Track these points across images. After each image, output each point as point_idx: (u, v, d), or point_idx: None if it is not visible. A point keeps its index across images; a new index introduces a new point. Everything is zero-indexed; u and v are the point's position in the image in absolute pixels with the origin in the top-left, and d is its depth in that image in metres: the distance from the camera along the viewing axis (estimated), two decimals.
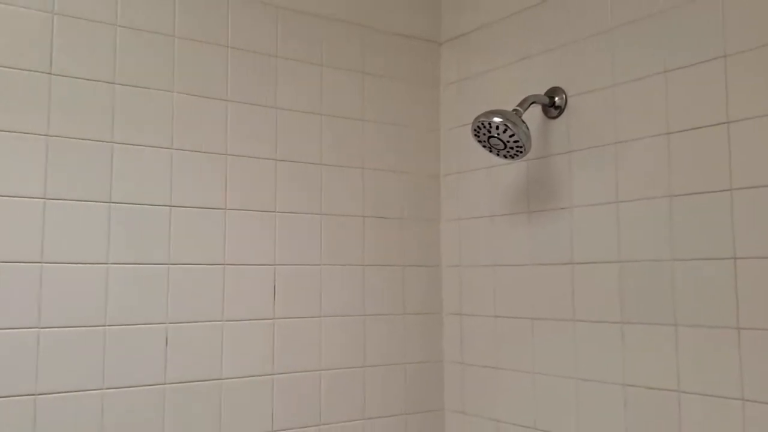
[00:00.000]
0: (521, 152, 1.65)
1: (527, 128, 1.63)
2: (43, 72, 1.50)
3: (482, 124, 1.63)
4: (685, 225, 1.47)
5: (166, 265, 1.61)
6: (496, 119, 1.60)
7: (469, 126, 2.00)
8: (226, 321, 1.68)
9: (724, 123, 1.41)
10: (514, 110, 1.66)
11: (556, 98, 1.75)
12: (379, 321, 1.93)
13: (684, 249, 1.47)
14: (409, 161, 2.04)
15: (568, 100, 1.74)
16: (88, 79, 1.55)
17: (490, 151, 1.70)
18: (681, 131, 1.49)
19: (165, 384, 1.59)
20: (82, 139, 1.54)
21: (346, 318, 1.87)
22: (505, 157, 1.69)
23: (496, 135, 1.63)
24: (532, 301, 1.80)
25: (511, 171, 1.88)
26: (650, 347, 1.52)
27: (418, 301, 2.01)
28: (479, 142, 1.68)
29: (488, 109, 1.91)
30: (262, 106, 1.78)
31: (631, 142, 1.58)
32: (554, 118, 1.77)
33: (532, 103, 1.71)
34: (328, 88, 1.90)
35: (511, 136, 1.61)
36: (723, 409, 1.39)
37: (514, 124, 1.60)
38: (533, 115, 1.80)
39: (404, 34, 2.06)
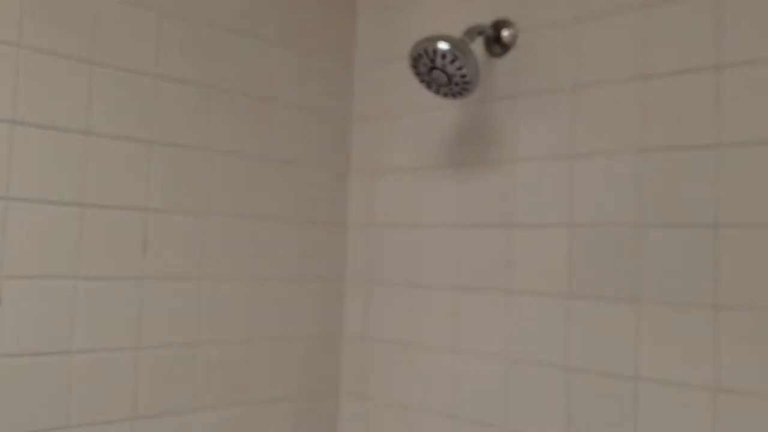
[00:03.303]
0: (468, 89, 1.37)
1: (477, 60, 1.35)
2: None
3: (425, 51, 1.33)
4: (657, 185, 1.26)
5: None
6: (443, 45, 1.31)
7: (392, 62, 1.70)
8: (84, 278, 1.29)
9: (713, 68, 1.21)
10: (460, 39, 1.38)
11: (504, 32, 1.49)
12: (269, 286, 1.60)
13: (654, 213, 1.26)
14: (315, 97, 1.70)
15: (519, 35, 1.48)
16: None
17: (428, 87, 1.41)
18: (659, 75, 1.27)
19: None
20: None
21: (230, 282, 1.53)
22: (446, 95, 1.41)
23: (440, 66, 1.34)
24: (459, 268, 1.54)
25: (439, 116, 1.60)
26: (603, 326, 1.31)
27: (317, 263, 1.70)
28: (417, 75, 1.39)
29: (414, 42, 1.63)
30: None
31: (594, 86, 1.35)
32: (498, 55, 1.50)
33: (479, 33, 1.44)
34: None
35: (459, 69, 1.33)
36: (690, 401, 1.19)
37: (463, 53, 1.32)
38: (474, 51, 1.53)
39: None
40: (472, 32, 1.42)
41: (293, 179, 1.65)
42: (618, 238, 1.30)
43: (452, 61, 1.32)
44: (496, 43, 1.50)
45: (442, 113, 1.60)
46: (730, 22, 1.19)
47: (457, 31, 1.57)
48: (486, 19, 1.53)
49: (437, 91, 1.41)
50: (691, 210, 1.21)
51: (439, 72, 1.35)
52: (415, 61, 1.36)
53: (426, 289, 1.60)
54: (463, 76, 1.34)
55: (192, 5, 1.46)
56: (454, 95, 1.40)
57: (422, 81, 1.40)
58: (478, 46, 1.53)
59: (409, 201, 1.65)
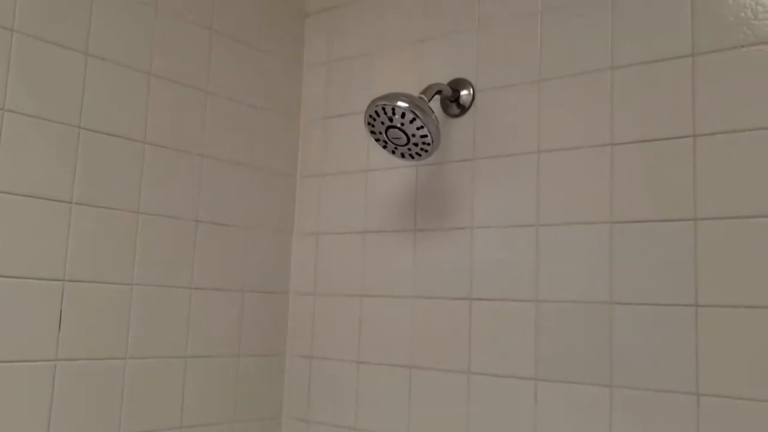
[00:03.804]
0: (427, 150, 1.27)
1: (437, 120, 1.25)
2: None
3: (382, 109, 1.22)
4: (631, 260, 1.17)
5: None
6: (402, 103, 1.21)
7: (340, 118, 1.59)
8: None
9: (689, 136, 1.14)
10: (419, 98, 1.28)
11: (463, 92, 1.40)
12: (204, 366, 1.42)
13: (627, 290, 1.17)
14: (258, 154, 1.57)
15: (476, 95, 1.39)
16: None
17: (385, 147, 1.30)
18: (630, 143, 1.20)
19: None
20: None
21: (163, 360, 1.35)
22: (403, 156, 1.30)
23: (398, 125, 1.23)
24: (413, 345, 1.41)
25: (391, 177, 1.49)
26: (574, 412, 1.19)
27: (256, 338, 1.53)
28: (373, 133, 1.28)
29: (367, 100, 1.53)
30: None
31: (560, 153, 1.27)
32: (456, 116, 1.41)
33: (438, 92, 1.35)
34: (164, 38, 1.39)
35: (419, 128, 1.23)
36: None
37: (423, 111, 1.22)
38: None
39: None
40: (431, 91, 1.33)
41: (232, 244, 1.49)
42: (589, 317, 1.20)
43: (411, 121, 1.22)
44: (453, 102, 1.41)
45: (394, 174, 1.49)
46: (706, 88, 1.13)
47: (409, 89, 1.47)
48: (441, 78, 1.44)
49: (394, 151, 1.30)
50: (668, 288, 1.13)
51: (397, 131, 1.25)
52: (372, 120, 1.26)
53: (375, 367, 1.45)
54: (424, 136, 1.24)
55: (122, 54, 1.32)
56: (412, 156, 1.29)
57: (377, 140, 1.29)
58: (434, 105, 1.43)
59: (358, 268, 1.52)
